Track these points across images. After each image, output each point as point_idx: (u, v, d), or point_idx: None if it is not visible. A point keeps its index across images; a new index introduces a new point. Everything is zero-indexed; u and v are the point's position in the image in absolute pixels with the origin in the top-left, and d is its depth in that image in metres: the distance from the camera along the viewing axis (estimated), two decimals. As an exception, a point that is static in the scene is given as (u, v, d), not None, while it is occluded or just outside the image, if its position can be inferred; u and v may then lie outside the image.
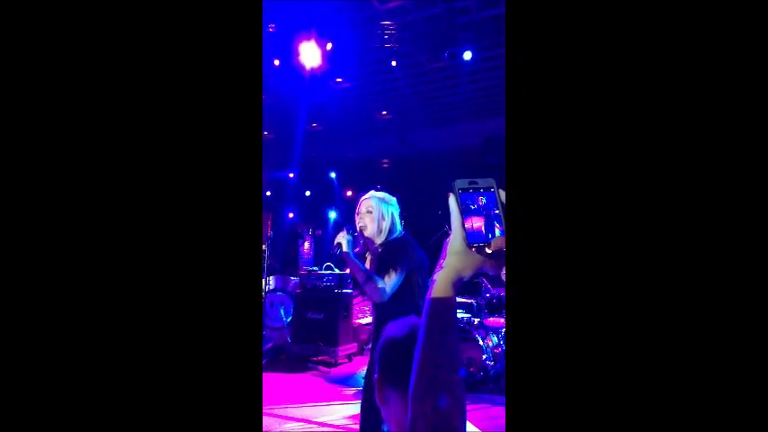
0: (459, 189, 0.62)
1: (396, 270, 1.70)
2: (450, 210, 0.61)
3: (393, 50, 4.85)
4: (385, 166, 8.01)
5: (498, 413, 3.11)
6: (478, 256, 0.58)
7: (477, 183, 0.62)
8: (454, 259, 0.59)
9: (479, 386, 3.71)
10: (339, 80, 5.94)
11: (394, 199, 1.92)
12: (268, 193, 7.95)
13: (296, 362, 4.60)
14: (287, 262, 6.93)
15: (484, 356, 3.82)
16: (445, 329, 0.57)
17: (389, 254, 1.75)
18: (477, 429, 0.79)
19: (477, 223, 0.60)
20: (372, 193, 1.90)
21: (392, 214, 1.87)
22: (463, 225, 0.59)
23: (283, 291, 5.27)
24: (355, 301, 4.97)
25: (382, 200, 1.87)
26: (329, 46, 4.80)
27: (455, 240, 0.60)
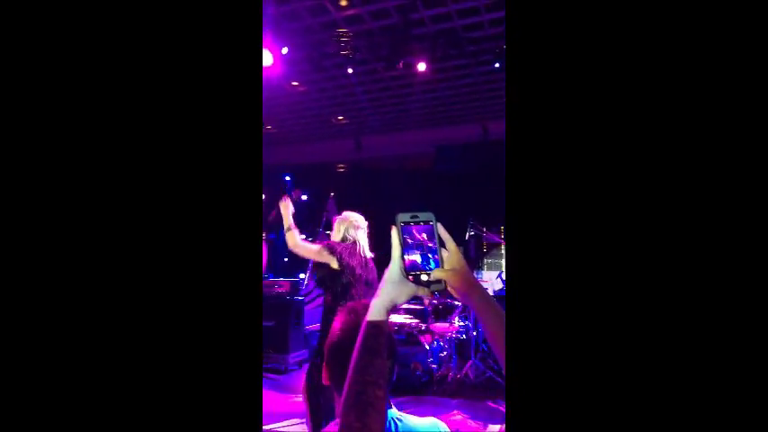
0: (401, 222, 0.67)
1: (317, 245, 2.32)
2: (392, 241, 0.66)
3: (349, 57, 4.89)
4: (341, 170, 8.01)
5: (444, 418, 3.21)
6: (413, 285, 0.64)
7: (417, 216, 0.67)
8: (390, 287, 0.65)
9: (425, 388, 3.82)
10: (295, 84, 5.90)
11: (353, 217, 2.49)
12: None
13: (245, 370, 4.51)
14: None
15: (429, 360, 3.93)
16: (375, 352, 0.62)
17: (327, 239, 2.40)
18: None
19: (415, 255, 0.65)
20: (345, 214, 2.53)
21: (344, 229, 2.45)
22: (402, 256, 0.65)
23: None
24: (307, 308, 4.94)
25: (342, 219, 2.49)
26: (285, 50, 4.76)
27: (393, 270, 0.65)
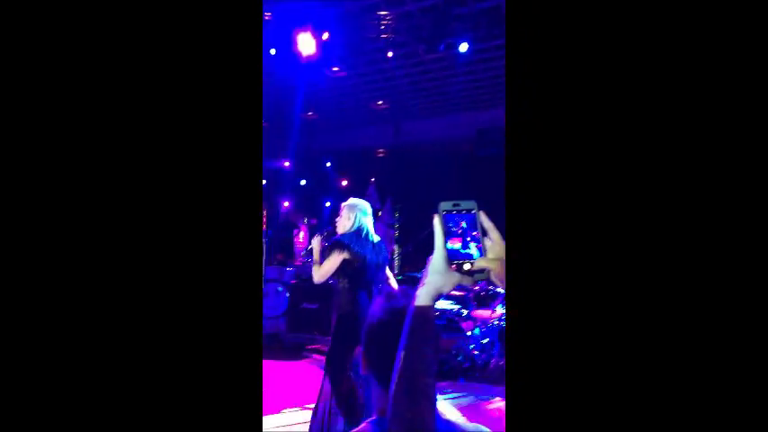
0: (443, 210, 0.67)
1: (332, 255, 2.38)
2: (435, 230, 0.66)
3: (389, 41, 4.84)
4: (380, 155, 8.02)
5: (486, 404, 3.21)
6: (457, 274, 0.64)
7: (459, 205, 0.67)
8: (434, 277, 0.65)
9: (466, 374, 3.83)
10: (335, 69, 5.92)
11: (361, 203, 2.54)
12: (264, 182, 7.96)
13: (291, 350, 4.69)
14: (282, 252, 6.99)
15: (471, 346, 3.93)
16: (423, 340, 0.63)
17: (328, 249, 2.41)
18: (462, 417, 0.84)
19: (458, 243, 0.65)
20: (353, 201, 2.56)
21: (355, 216, 2.50)
22: (445, 245, 0.65)
23: (279, 281, 5.33)
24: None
25: (352, 206, 2.53)
26: (326, 35, 4.77)
27: (436, 259, 0.65)
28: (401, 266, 7.01)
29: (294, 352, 4.66)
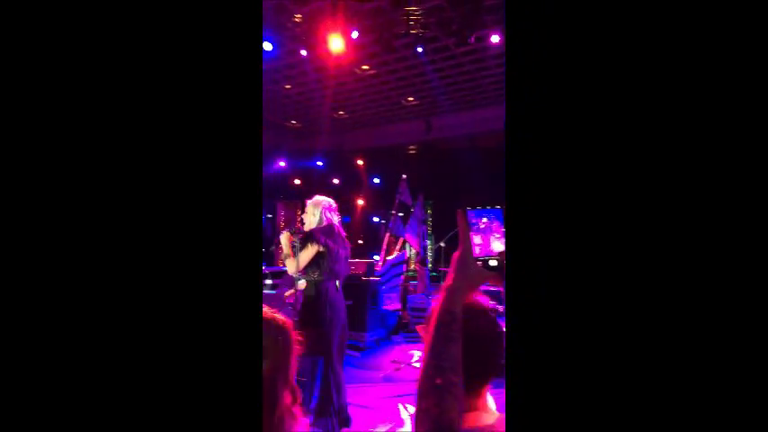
0: (468, 207, 0.65)
1: (309, 247, 2.51)
2: (459, 227, 0.65)
3: (419, 36, 4.81)
4: (411, 151, 7.99)
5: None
6: (485, 270, 0.63)
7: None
8: (461, 274, 0.64)
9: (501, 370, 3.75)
10: (365, 67, 5.94)
11: (325, 200, 2.68)
12: (297, 182, 8.10)
13: (326, 346, 4.76)
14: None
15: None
16: (450, 338, 0.62)
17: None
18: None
19: (483, 240, 0.63)
20: (318, 198, 2.71)
21: (319, 212, 2.64)
22: (470, 242, 0.63)
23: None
24: (382, 288, 5.06)
25: (316, 203, 2.67)
26: (355, 34, 4.80)
27: (462, 256, 0.64)
28: (435, 262, 6.97)
29: (329, 348, 4.72)
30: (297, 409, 0.91)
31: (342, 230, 2.66)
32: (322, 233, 2.53)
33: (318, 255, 2.50)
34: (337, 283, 2.58)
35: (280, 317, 0.95)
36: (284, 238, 2.59)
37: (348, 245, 2.69)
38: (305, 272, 2.54)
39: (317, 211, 2.62)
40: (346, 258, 2.63)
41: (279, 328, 0.93)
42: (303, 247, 2.50)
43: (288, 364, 0.92)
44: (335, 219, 2.64)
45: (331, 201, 2.69)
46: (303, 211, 2.72)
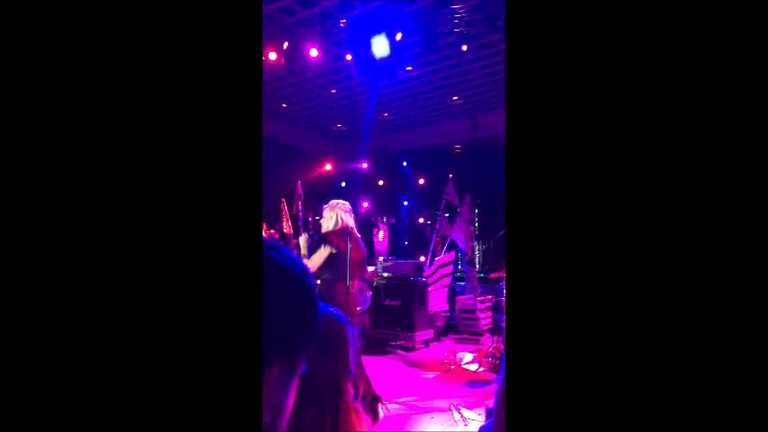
0: None
1: (321, 249, 2.64)
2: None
3: (463, 34, 4.75)
4: (457, 151, 7.89)
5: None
6: None
7: None
8: None
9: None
10: (409, 68, 5.95)
11: (341, 204, 2.81)
12: (343, 184, 8.24)
13: (376, 345, 4.80)
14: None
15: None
16: None
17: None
18: None
19: None
20: (334, 201, 2.84)
21: (336, 215, 2.76)
22: None
23: (362, 278, 5.49)
24: (430, 289, 5.03)
25: (333, 206, 2.80)
26: (399, 36, 4.82)
27: None
28: (482, 264, 6.85)
29: (378, 348, 4.77)
30: (359, 404, 0.93)
31: (357, 234, 2.78)
32: (335, 236, 2.66)
33: (331, 256, 2.61)
34: (348, 283, 2.67)
35: (333, 310, 0.98)
36: (302, 239, 2.78)
37: (363, 248, 2.81)
38: (317, 273, 2.67)
39: (334, 214, 2.74)
40: (360, 261, 2.74)
41: (335, 323, 0.95)
42: (317, 248, 2.63)
43: (347, 357, 0.94)
44: (351, 222, 2.76)
45: (347, 204, 2.83)
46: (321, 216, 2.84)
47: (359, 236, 2.79)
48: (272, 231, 3.06)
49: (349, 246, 2.63)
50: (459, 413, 2.97)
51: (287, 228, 4.34)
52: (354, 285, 2.75)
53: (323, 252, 2.61)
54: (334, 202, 2.81)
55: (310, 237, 2.74)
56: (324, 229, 2.74)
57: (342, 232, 2.67)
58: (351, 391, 0.91)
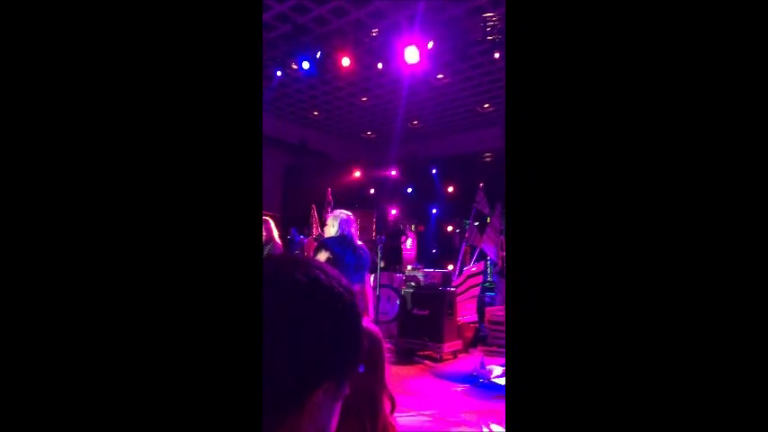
0: None
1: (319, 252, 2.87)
2: None
3: (496, 41, 4.71)
4: (488, 159, 7.80)
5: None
6: None
7: None
8: None
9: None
10: (440, 76, 5.94)
11: (343, 213, 3.04)
12: (372, 191, 8.27)
13: (403, 355, 4.76)
14: (391, 259, 7.17)
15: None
16: None
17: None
18: None
19: None
20: (337, 211, 3.11)
21: (337, 224, 3.00)
22: None
23: (390, 286, 5.47)
24: (459, 299, 4.96)
25: (335, 216, 3.06)
26: (430, 44, 4.82)
27: None
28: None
29: (406, 357, 4.72)
30: (394, 419, 0.92)
31: (356, 242, 2.99)
32: (334, 242, 2.88)
33: (329, 261, 2.80)
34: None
35: (371, 325, 0.97)
36: (307, 245, 3.01)
37: (364, 255, 3.00)
38: None
39: (336, 223, 3.00)
40: (356, 267, 2.92)
41: (373, 338, 0.95)
42: (316, 253, 2.87)
43: (383, 372, 0.93)
44: (352, 231, 3.00)
45: (350, 214, 3.08)
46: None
47: (359, 243, 3.02)
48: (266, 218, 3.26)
49: (346, 252, 2.88)
50: (490, 430, 2.89)
51: (316, 233, 4.54)
52: (368, 292, 2.99)
53: (321, 257, 2.85)
54: (338, 211, 3.06)
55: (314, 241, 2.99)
56: (326, 236, 3.03)
57: (341, 239, 2.91)
58: (388, 405, 0.90)
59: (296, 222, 6.13)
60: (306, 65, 5.12)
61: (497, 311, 5.20)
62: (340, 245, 2.91)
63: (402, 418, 3.08)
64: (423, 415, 3.12)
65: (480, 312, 5.42)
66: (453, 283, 5.17)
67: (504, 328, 5.02)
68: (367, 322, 0.98)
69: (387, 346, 0.99)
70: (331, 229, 2.98)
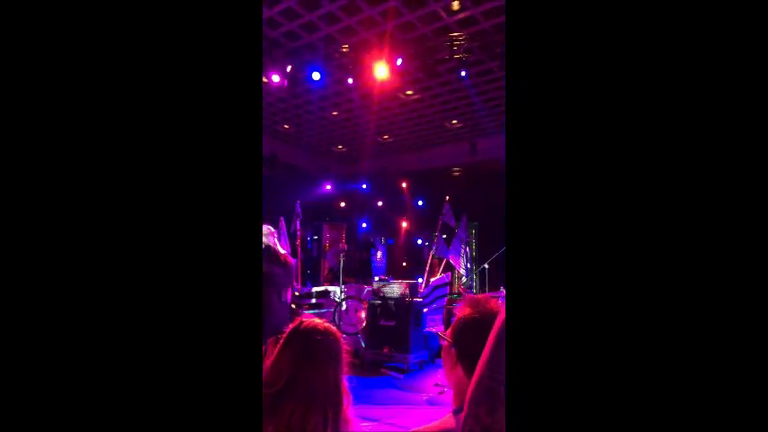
0: None
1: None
2: None
3: (462, 60, 4.90)
4: (456, 173, 7.99)
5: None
6: None
7: None
8: None
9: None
10: (410, 93, 6.10)
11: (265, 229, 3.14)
12: (342, 204, 8.31)
13: (370, 366, 4.76)
14: (360, 270, 7.18)
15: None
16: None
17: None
18: None
19: None
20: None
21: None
22: None
23: (357, 298, 5.48)
24: (426, 310, 5.02)
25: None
26: (399, 61, 4.97)
27: None
28: (479, 285, 6.83)
29: (372, 368, 4.72)
30: (351, 412, 0.97)
31: (279, 251, 3.12)
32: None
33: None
34: (266, 298, 2.92)
35: (331, 326, 1.03)
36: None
37: (287, 263, 3.14)
38: None
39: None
40: (267, 275, 3.02)
41: (332, 336, 1.01)
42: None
43: (342, 368, 0.99)
44: (272, 241, 3.20)
45: (270, 227, 3.23)
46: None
47: (284, 251, 3.18)
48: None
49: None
50: None
51: (283, 245, 4.56)
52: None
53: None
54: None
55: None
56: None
57: (266, 251, 3.11)
58: (347, 400, 0.97)
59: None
60: (276, 78, 5.16)
61: (463, 322, 5.27)
62: (267, 258, 3.13)
63: (367, 428, 3.08)
64: (387, 424, 3.13)
65: (447, 323, 5.49)
66: (420, 294, 5.24)
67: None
68: (328, 323, 1.05)
69: (345, 347, 1.04)
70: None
